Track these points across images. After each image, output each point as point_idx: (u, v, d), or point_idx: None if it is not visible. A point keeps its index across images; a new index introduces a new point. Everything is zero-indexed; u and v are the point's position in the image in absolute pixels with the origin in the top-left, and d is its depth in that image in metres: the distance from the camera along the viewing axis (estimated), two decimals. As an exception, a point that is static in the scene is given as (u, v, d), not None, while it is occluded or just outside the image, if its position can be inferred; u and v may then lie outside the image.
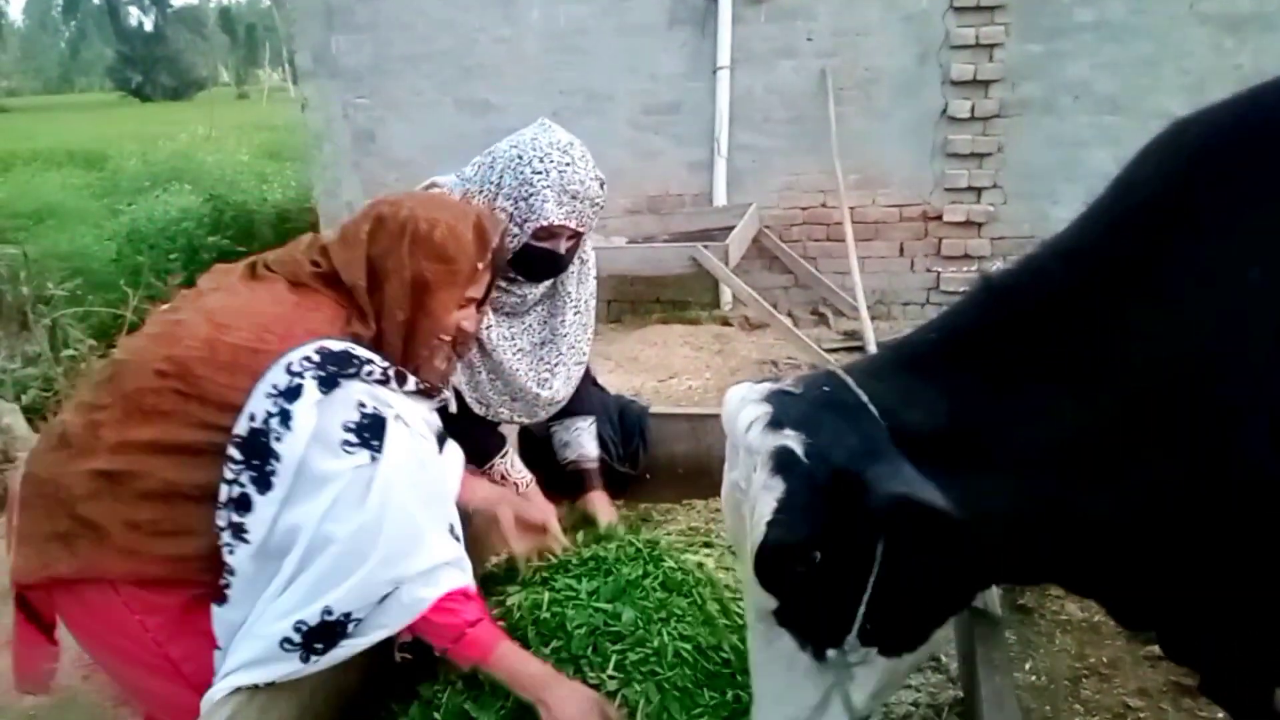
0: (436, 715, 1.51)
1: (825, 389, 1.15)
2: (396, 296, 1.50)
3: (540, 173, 1.76)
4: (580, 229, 1.84)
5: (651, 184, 6.02)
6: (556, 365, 2.05)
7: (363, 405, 1.38)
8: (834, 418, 1.11)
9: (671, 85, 5.87)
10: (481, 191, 1.81)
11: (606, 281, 5.61)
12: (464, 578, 1.46)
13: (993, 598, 1.52)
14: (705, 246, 4.96)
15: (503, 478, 2.03)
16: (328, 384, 1.36)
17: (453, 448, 1.75)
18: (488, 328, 1.95)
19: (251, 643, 1.36)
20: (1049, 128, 5.38)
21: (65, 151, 12.35)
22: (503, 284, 1.91)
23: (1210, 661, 1.25)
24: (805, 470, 1.09)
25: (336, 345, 1.41)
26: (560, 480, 2.18)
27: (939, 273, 5.76)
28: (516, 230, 1.79)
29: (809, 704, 1.23)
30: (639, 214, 6.03)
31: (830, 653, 1.18)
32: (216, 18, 54.69)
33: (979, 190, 5.58)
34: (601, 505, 2.09)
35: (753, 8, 5.63)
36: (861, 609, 1.12)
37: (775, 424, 1.12)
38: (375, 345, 1.50)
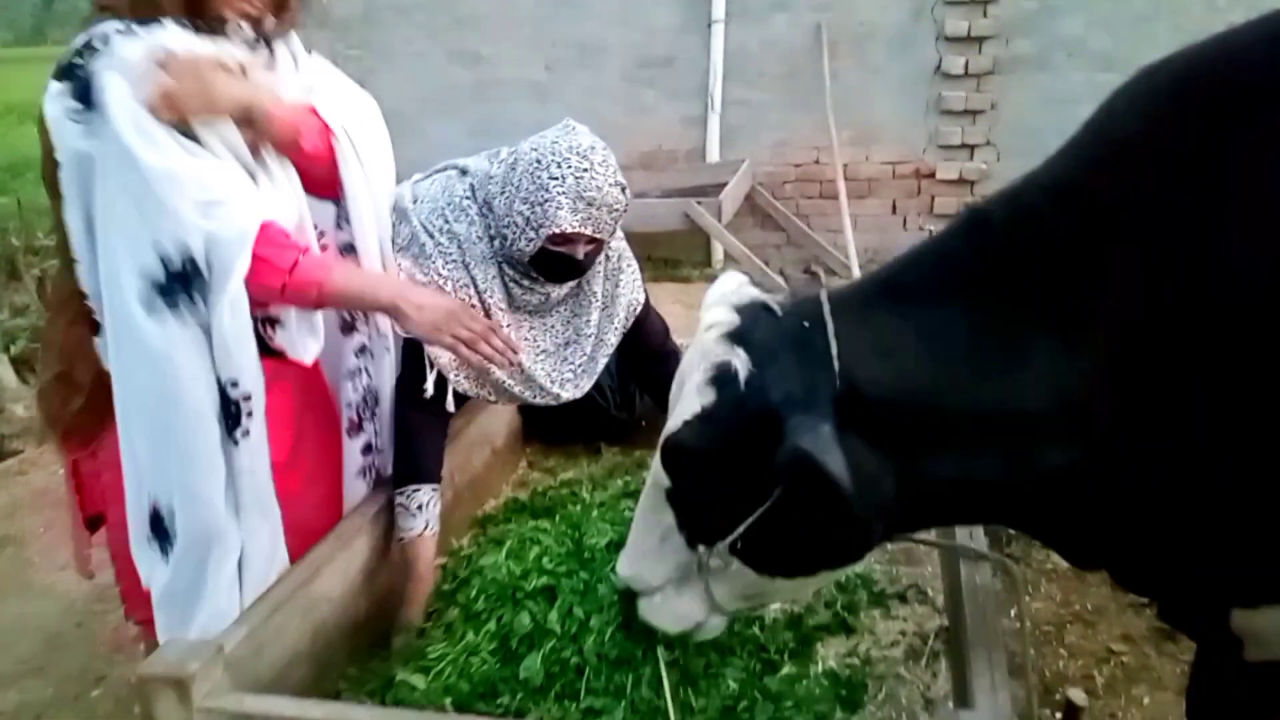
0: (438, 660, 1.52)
1: (804, 324, 1.16)
2: None
3: (556, 179, 1.72)
4: (598, 235, 1.79)
5: (644, 139, 5.99)
6: (581, 366, 2.01)
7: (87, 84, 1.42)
8: (792, 357, 1.13)
9: (665, 38, 5.81)
10: (503, 192, 1.80)
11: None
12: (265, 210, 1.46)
13: (978, 534, 1.56)
14: (698, 202, 4.96)
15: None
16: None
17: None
18: (507, 326, 1.90)
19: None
20: (1043, 84, 5.36)
21: (40, 104, 12.08)
22: (525, 284, 1.88)
23: (1165, 589, 1.26)
24: (738, 395, 1.13)
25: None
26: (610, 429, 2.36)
27: (931, 230, 5.73)
28: (533, 235, 1.76)
29: (667, 576, 1.32)
30: (631, 169, 5.98)
31: (700, 547, 1.25)
32: (198, -32, 53.36)
33: (972, 148, 5.58)
34: None
35: (748, -40, 5.58)
36: (740, 529, 1.18)
37: (734, 338, 1.16)
38: None
